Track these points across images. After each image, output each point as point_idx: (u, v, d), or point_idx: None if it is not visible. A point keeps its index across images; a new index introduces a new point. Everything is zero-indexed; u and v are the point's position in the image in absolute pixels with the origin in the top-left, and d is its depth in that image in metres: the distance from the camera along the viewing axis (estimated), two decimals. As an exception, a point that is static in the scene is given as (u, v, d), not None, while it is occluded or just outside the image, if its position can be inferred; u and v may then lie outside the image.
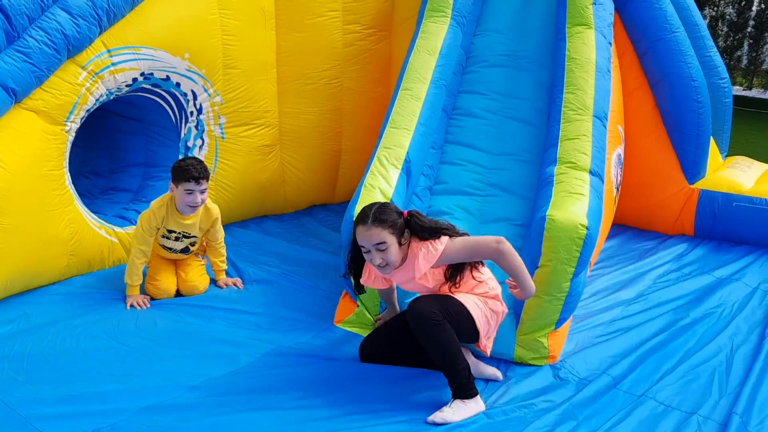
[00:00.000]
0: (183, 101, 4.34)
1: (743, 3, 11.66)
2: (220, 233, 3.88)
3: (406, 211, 2.86)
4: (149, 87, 4.15)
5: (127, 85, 3.96)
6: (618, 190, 4.80)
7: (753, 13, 11.63)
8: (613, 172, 4.35)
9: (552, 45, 4.56)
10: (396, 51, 5.23)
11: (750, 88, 11.94)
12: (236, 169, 4.70)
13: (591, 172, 3.57)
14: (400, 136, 3.87)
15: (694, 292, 4.06)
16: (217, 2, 4.33)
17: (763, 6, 11.42)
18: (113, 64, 3.81)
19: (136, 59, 3.92)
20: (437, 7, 4.58)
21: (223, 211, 4.71)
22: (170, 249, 3.78)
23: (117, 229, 4.14)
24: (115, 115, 4.61)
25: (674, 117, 4.94)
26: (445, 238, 2.79)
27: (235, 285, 3.91)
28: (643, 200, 5.11)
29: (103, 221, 4.05)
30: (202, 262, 3.96)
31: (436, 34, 4.46)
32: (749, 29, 11.83)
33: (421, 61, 4.31)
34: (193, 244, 3.82)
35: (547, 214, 3.16)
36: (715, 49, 5.70)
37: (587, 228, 3.11)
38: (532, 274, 3.15)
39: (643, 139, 5.04)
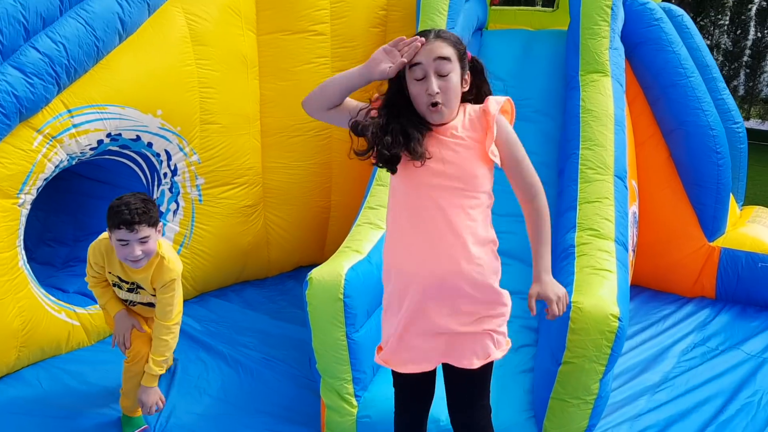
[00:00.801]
0: (156, 162, 3.90)
1: (739, 32, 11.46)
2: (173, 309, 2.82)
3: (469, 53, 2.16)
4: (117, 149, 3.71)
5: (91, 149, 3.52)
6: (634, 252, 4.40)
7: (749, 42, 11.40)
8: (629, 233, 3.95)
9: (560, 93, 4.19)
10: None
11: (747, 119, 11.71)
12: (215, 234, 4.25)
13: (616, 241, 3.17)
14: (386, 195, 3.47)
15: (726, 373, 3.65)
16: (194, 52, 3.91)
17: (759, 35, 11.21)
18: (74, 126, 3.38)
19: (101, 119, 3.49)
20: (429, 53, 4.19)
21: (199, 280, 4.32)
22: (130, 302, 2.96)
23: (79, 309, 3.68)
24: (80, 177, 4.16)
25: (691, 169, 4.57)
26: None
27: (156, 408, 2.88)
28: (659, 259, 4.70)
29: (62, 302, 3.59)
30: None
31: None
32: (745, 58, 11.61)
33: None
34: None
35: (572, 300, 2.74)
36: (727, 91, 5.35)
37: (619, 319, 2.68)
38: (554, 372, 2.73)
39: (657, 193, 4.65)
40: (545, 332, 2.88)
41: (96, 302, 3.80)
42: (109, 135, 3.57)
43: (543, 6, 10.23)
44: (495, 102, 2.10)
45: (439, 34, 2.07)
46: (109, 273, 2.88)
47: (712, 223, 4.61)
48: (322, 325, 2.92)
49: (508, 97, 2.14)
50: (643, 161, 4.64)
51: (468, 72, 2.12)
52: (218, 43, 4.02)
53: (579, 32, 3.98)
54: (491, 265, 2.14)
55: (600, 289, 2.81)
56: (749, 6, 11.48)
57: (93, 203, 4.13)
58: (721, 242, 4.63)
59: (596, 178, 3.41)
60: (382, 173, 3.67)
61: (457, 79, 2.06)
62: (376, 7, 4.67)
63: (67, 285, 3.96)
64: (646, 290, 4.81)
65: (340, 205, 4.90)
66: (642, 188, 4.64)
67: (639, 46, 4.50)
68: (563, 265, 3.08)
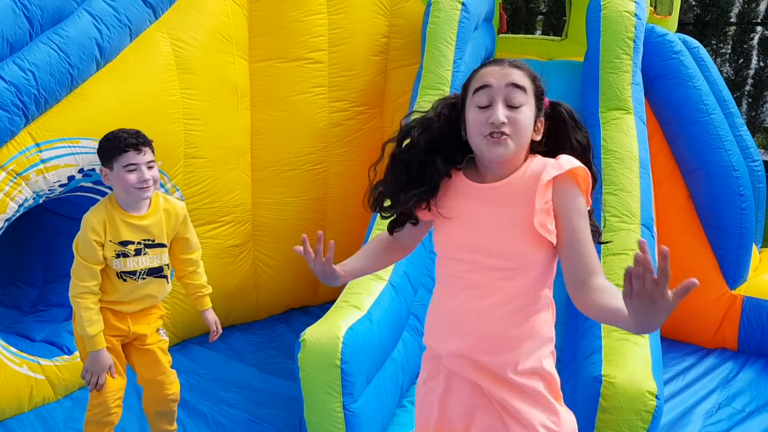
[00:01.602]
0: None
1: (741, 61, 11.25)
2: (195, 239, 2.74)
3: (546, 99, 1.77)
4: (90, 185, 3.37)
5: (61, 185, 3.18)
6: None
7: (752, 71, 11.19)
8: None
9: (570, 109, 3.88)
10: (389, 130, 4.51)
11: (749, 150, 11.49)
12: (199, 277, 3.89)
13: (643, 301, 2.84)
14: None
15: (759, 441, 3.31)
16: (179, 80, 3.59)
17: (761, 64, 11.01)
18: (43, 161, 3.05)
19: (72, 153, 3.16)
20: (432, 84, 3.90)
21: (180, 326, 3.97)
22: (134, 276, 2.55)
23: (44, 361, 3.32)
24: (52, 214, 3.81)
25: (713, 212, 4.26)
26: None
27: (216, 332, 2.84)
28: (677, 307, 4.35)
29: (24, 354, 3.22)
30: (164, 337, 2.83)
31: (433, 116, 3.76)
32: (748, 87, 11.41)
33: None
34: (168, 265, 2.65)
35: (602, 374, 2.41)
36: (745, 128, 5.06)
37: (656, 397, 2.35)
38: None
39: (675, 236, 4.33)
40: (570, 408, 2.54)
41: (65, 352, 3.46)
42: (81, 170, 3.23)
43: (543, 34, 10.01)
44: (566, 161, 1.65)
45: (514, 63, 1.71)
46: (110, 242, 2.51)
47: (734, 269, 4.30)
48: (315, 393, 2.58)
49: (582, 165, 1.67)
50: (660, 203, 4.33)
51: (543, 119, 1.73)
52: (206, 71, 3.71)
53: (599, 65, 3.69)
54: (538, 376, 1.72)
55: (633, 359, 2.49)
56: (752, 35, 11.30)
57: (65, 242, 3.75)
58: (743, 290, 4.32)
59: (621, 227, 3.09)
60: (384, 216, 3.34)
61: (530, 116, 1.67)
62: (377, 35, 4.38)
63: (34, 332, 3.59)
64: (664, 340, 4.45)
65: (336, 244, 4.54)
66: (659, 231, 4.32)
67: (658, 80, 4.21)
68: (588, 327, 2.75)
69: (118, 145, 2.48)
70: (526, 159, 1.71)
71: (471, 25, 3.94)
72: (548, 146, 1.75)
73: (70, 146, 3.14)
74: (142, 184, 2.47)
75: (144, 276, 2.60)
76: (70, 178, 3.21)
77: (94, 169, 3.29)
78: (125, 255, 2.54)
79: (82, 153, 3.20)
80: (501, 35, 5.28)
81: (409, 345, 3.08)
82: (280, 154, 4.20)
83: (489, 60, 1.80)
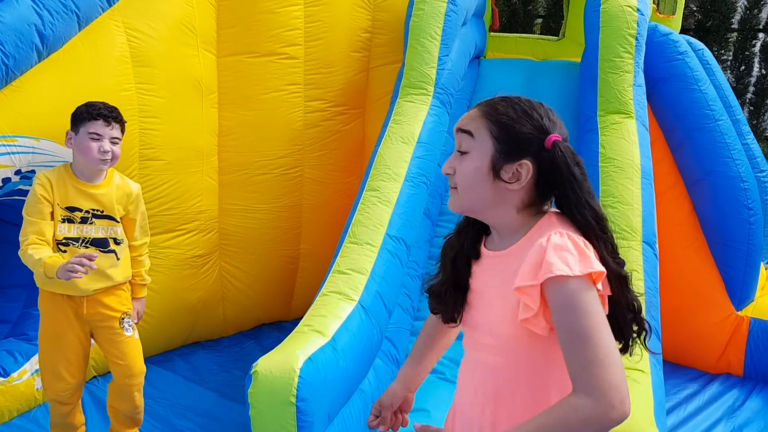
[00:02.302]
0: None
1: (742, 68, 10.98)
2: (144, 223, 2.77)
3: (553, 136, 1.39)
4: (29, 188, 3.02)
5: (-6, 188, 2.84)
6: (654, 323, 3.75)
7: (753, 79, 10.94)
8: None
9: (570, 135, 3.54)
10: (371, 133, 4.20)
11: (750, 159, 11.22)
12: (156, 291, 3.54)
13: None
14: (361, 256, 2.85)
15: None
16: (134, 74, 3.26)
17: (763, 71, 10.75)
18: (-29, 161, 2.70)
19: (8, 153, 2.83)
20: (415, 83, 3.59)
21: (137, 344, 3.62)
22: (77, 242, 2.55)
23: (-23, 384, 2.97)
24: (-8, 218, 3.47)
25: (718, 226, 3.94)
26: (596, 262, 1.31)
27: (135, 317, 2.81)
28: (679, 329, 4.04)
29: (-47, 379, 2.88)
30: (132, 334, 2.75)
31: (413, 117, 3.47)
32: (749, 95, 11.15)
33: (393, 152, 3.31)
34: (117, 241, 2.65)
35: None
36: (752, 136, 4.75)
37: (660, 446, 2.02)
38: None
39: (678, 252, 4.01)
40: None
41: (1, 374, 3.12)
42: (18, 172, 2.89)
43: (542, 34, 9.69)
44: (548, 264, 1.28)
45: (482, 102, 1.46)
46: (57, 206, 2.56)
47: (740, 289, 3.98)
48: (267, 434, 2.23)
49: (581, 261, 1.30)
50: (662, 215, 3.98)
51: (526, 162, 1.36)
52: (165, 65, 3.37)
53: (597, 64, 3.36)
54: None
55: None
56: (753, 42, 11.05)
57: (5, 250, 3.42)
58: (750, 311, 4.00)
59: (621, 244, 2.70)
60: (356, 227, 3.02)
61: (474, 165, 1.39)
62: (359, 29, 4.05)
63: (-30, 351, 3.24)
64: (665, 364, 4.12)
65: (310, 255, 4.23)
66: (661, 246, 3.99)
67: (661, 83, 3.89)
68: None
69: (89, 111, 2.56)
70: (538, 217, 1.39)
71: (458, 20, 3.62)
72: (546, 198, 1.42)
73: (5, 145, 2.81)
74: (101, 155, 2.54)
75: (87, 245, 2.59)
76: (6, 180, 2.87)
77: (33, 171, 2.95)
78: (70, 221, 2.58)
79: (19, 153, 2.86)
80: (493, 33, 4.97)
81: (381, 374, 2.74)
82: (250, 157, 3.87)
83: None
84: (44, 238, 2.53)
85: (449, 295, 1.50)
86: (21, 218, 3.34)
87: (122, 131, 2.65)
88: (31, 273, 3.35)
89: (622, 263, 1.39)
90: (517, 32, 10.05)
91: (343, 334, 2.51)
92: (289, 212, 4.07)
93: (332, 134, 4.11)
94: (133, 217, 2.73)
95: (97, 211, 2.61)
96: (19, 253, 2.54)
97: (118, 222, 2.67)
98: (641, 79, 3.45)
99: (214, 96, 3.72)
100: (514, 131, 1.37)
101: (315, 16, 3.86)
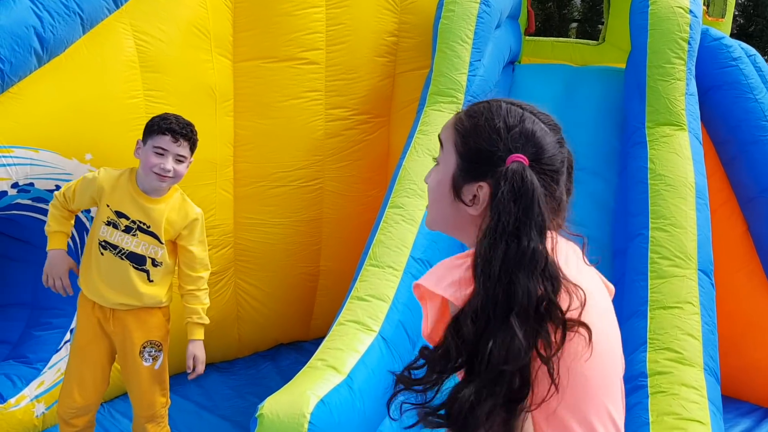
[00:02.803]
0: (85, 220, 3.01)
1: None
2: (203, 256, 2.59)
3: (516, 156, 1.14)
4: (29, 203, 2.83)
5: (-12, 203, 2.65)
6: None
7: None
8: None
9: (614, 147, 3.28)
10: (396, 143, 3.94)
11: None
12: (165, 311, 3.34)
13: (706, 370, 2.22)
14: (382, 280, 2.61)
15: None
16: (142, 80, 3.05)
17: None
18: (-36, 174, 2.51)
19: (4, 165, 2.64)
20: (444, 91, 3.34)
21: (145, 367, 3.41)
22: (114, 250, 2.46)
23: (-31, 412, 2.77)
24: (-6, 233, 3.29)
25: (775, 248, 3.60)
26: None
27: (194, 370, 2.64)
28: (730, 359, 3.67)
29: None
30: (151, 365, 2.60)
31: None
32: None
33: (419, 166, 3.07)
34: (155, 263, 2.50)
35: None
36: (810, 149, 4.39)
37: None
38: None
39: (729, 275, 3.67)
40: None
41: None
42: (15, 185, 2.70)
43: (578, 38, 9.36)
44: (434, 279, 1.15)
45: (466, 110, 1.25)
46: (107, 207, 2.48)
47: (799, 316, 3.64)
48: (274, 486, 1.98)
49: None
50: (712, 235, 3.68)
51: (483, 187, 1.14)
52: (176, 71, 3.16)
53: (645, 71, 3.06)
54: None
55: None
56: (799, 47, 10.62)
57: (7, 266, 3.24)
58: (809, 341, 3.65)
59: (674, 272, 2.47)
60: (378, 248, 2.76)
61: (439, 177, 1.21)
62: (384, 33, 3.80)
63: (-33, 372, 3.06)
64: (713, 397, 3.83)
65: (331, 272, 3.99)
66: (711, 269, 3.69)
67: (712, 91, 3.57)
68: (632, 407, 2.12)
69: (159, 125, 2.46)
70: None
71: (492, 22, 3.35)
72: None
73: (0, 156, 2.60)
74: (161, 171, 2.42)
75: (123, 256, 2.47)
76: (2, 194, 2.67)
77: (32, 184, 2.76)
78: (115, 225, 2.48)
79: (15, 165, 2.66)
80: (528, 37, 4.68)
81: (403, 416, 2.47)
82: (267, 168, 3.65)
83: None
84: (66, 204, 2.50)
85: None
86: (21, 233, 3.18)
87: (192, 149, 2.51)
88: (34, 289, 3.20)
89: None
90: (551, 37, 9.76)
91: (360, 371, 2.25)
92: (309, 227, 3.84)
93: (355, 144, 3.87)
94: (187, 244, 2.55)
95: (144, 224, 2.48)
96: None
97: (162, 244, 2.50)
98: (694, 88, 3.14)
99: (230, 104, 3.50)
100: (475, 147, 1.17)
101: (337, 18, 3.62)
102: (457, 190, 1.17)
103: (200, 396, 3.53)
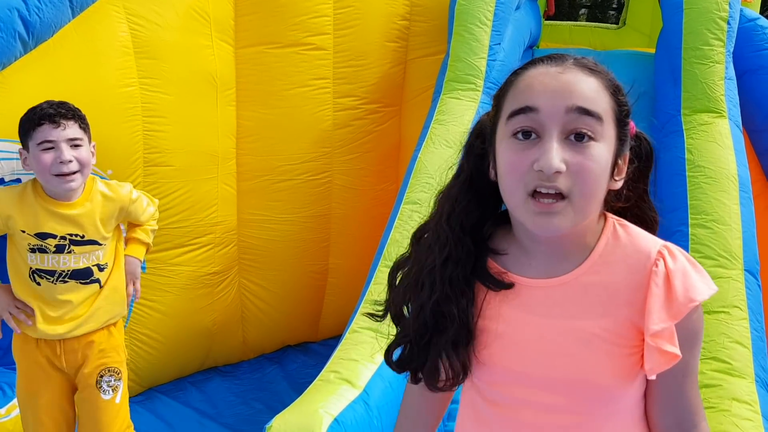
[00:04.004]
0: None
1: None
2: (145, 210, 2.31)
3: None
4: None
5: (-28, 201, 2.44)
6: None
7: None
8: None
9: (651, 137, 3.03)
10: (408, 134, 3.75)
11: None
12: (164, 312, 3.16)
13: (757, 382, 2.02)
14: None
15: None
16: (137, 67, 2.84)
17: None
18: (-58, 170, 2.31)
19: (-13, 159, 2.42)
20: (462, 77, 3.13)
21: (143, 373, 3.23)
22: (51, 276, 2.09)
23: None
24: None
25: (814, 242, 3.38)
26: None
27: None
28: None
29: None
30: (111, 398, 2.24)
31: (459, 116, 3.01)
32: None
33: (436, 158, 2.87)
34: (101, 267, 2.17)
35: None
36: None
37: None
38: None
39: (765, 271, 3.46)
40: None
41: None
42: (1, 181, 2.51)
43: (588, 20, 9.10)
44: (695, 276, 1.04)
45: (583, 62, 1.04)
46: (23, 233, 2.08)
47: (840, 315, 3.42)
48: None
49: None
50: (747, 229, 3.48)
51: (627, 155, 1.09)
52: (174, 57, 2.96)
53: (680, 54, 2.83)
54: None
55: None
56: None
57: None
58: None
59: (718, 273, 2.25)
60: (393, 247, 2.56)
61: (606, 159, 1.02)
62: (395, 16, 3.58)
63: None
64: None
65: (340, 270, 3.79)
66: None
67: (747, 76, 3.33)
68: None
69: (31, 118, 2.04)
70: (602, 222, 1.10)
71: (512, 2, 3.13)
72: (627, 201, 1.15)
73: (-19, 150, 2.41)
74: (60, 168, 2.01)
75: (65, 279, 2.12)
76: (-14, 190, 2.47)
77: (19, 180, 2.55)
78: (43, 250, 2.09)
79: (1, 159, 2.47)
80: (545, 21, 4.46)
81: None
82: (272, 161, 3.45)
83: (540, 56, 1.06)
84: None
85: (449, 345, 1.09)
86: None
87: (83, 128, 2.11)
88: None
89: None
90: (563, 20, 9.53)
91: (377, 384, 2.05)
92: (317, 222, 3.64)
93: (365, 135, 3.66)
94: (136, 220, 2.30)
95: (76, 236, 2.11)
96: None
97: (102, 244, 2.17)
98: (732, 72, 2.92)
99: (232, 92, 3.29)
100: (627, 114, 1.08)
101: (345, 1, 3.41)
102: (614, 166, 1.05)
103: (202, 402, 3.34)
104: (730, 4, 2.85)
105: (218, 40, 3.17)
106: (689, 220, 2.41)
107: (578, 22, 5.13)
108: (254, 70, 3.33)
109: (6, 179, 2.52)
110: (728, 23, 2.83)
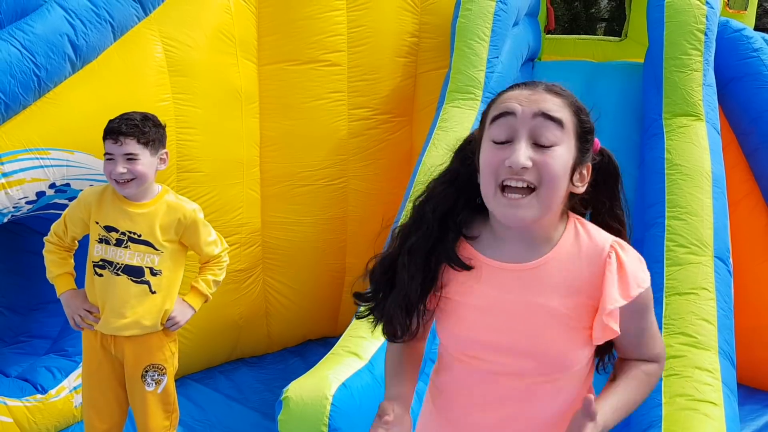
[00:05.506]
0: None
1: None
2: (209, 245, 2.45)
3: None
4: (66, 203, 2.95)
5: (28, 202, 2.79)
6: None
7: None
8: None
9: (634, 141, 3.29)
10: (418, 142, 4.00)
11: None
12: (196, 306, 3.45)
13: (720, 354, 2.25)
14: None
15: None
16: (171, 84, 3.17)
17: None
18: (5, 175, 2.68)
19: (41, 166, 2.78)
20: (462, 87, 3.40)
21: (178, 360, 3.53)
22: (110, 266, 2.31)
23: (12, 402, 2.93)
24: (33, 233, 3.43)
25: (800, 238, 3.58)
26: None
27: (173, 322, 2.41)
28: (756, 351, 3.68)
29: (-9, 394, 2.83)
30: (154, 389, 2.42)
31: (460, 123, 3.28)
32: None
33: (439, 160, 3.05)
34: (153, 271, 2.33)
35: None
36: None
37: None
38: None
39: (753, 267, 3.66)
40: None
41: (39, 391, 3.06)
42: (53, 186, 2.83)
43: (606, 34, 9.32)
44: (640, 269, 1.31)
45: (552, 87, 1.29)
46: (96, 224, 2.35)
47: (826, 307, 3.60)
48: (297, 466, 2.06)
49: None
50: (736, 227, 3.62)
51: (589, 166, 1.32)
52: (204, 75, 3.28)
53: (662, 63, 3.09)
54: None
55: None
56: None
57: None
58: (837, 331, 3.61)
59: (689, 259, 2.49)
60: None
61: (566, 160, 1.25)
62: (405, 33, 3.88)
63: (9, 367, 3.21)
64: (739, 387, 3.79)
65: (356, 268, 4.02)
66: (735, 261, 3.64)
67: (733, 83, 3.57)
68: (645, 390, 2.15)
69: (105, 130, 2.30)
70: (565, 220, 1.34)
71: (509, 20, 3.41)
72: (587, 206, 1.41)
73: (37, 158, 2.75)
74: (116, 177, 2.27)
75: (119, 272, 2.33)
76: (40, 194, 2.81)
77: (68, 184, 2.89)
78: (107, 241, 2.34)
79: (52, 166, 2.80)
80: (550, 36, 4.72)
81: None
82: (293, 168, 3.74)
83: (518, 83, 1.32)
84: (62, 240, 2.42)
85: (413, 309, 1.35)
86: (60, 232, 3.31)
87: (143, 142, 2.27)
88: (71, 285, 3.31)
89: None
90: (578, 33, 9.74)
91: (381, 358, 2.32)
92: (334, 225, 3.92)
93: (378, 143, 3.95)
94: (195, 247, 2.44)
95: (134, 234, 2.31)
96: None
97: (158, 250, 2.33)
98: (711, 79, 3.16)
99: (255, 106, 3.61)
100: (588, 132, 1.30)
101: (358, 20, 3.71)
102: (572, 171, 1.27)
103: (231, 389, 3.63)
104: (707, 17, 3.09)
105: (243, 59, 3.49)
106: (666, 213, 2.65)
107: (582, 36, 5.36)
108: (276, 85, 3.63)
109: (58, 183, 2.85)
110: (705, 35, 3.08)
